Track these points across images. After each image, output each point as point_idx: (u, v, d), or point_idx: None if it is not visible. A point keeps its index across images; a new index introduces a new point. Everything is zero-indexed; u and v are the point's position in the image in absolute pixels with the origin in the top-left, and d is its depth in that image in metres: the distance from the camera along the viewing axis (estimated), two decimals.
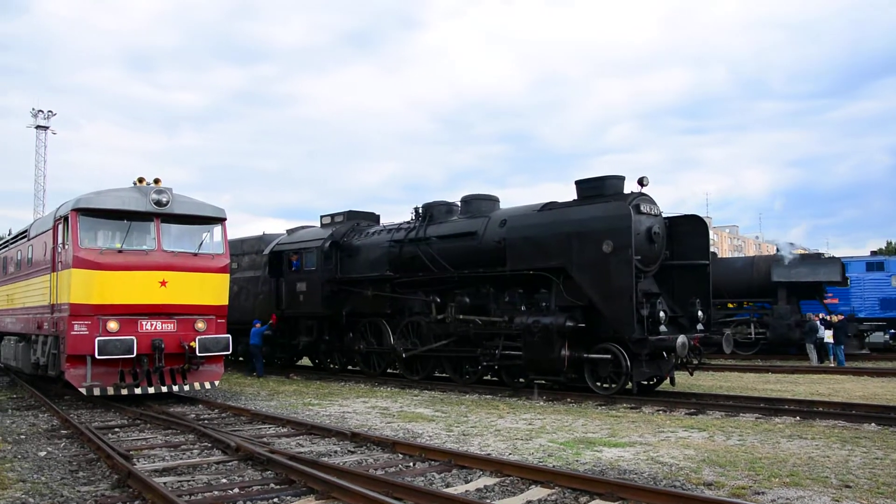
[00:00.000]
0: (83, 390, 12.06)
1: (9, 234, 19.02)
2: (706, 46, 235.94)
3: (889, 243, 66.49)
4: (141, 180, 13.23)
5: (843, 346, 21.00)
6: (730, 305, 25.65)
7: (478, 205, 16.03)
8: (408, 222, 17.27)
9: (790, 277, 24.16)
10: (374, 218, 19.89)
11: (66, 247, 12.59)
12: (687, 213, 14.59)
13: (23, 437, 9.88)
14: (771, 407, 11.80)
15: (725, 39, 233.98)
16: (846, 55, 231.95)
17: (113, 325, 12.10)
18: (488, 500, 6.25)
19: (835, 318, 21.58)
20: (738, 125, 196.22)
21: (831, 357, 21.11)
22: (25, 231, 16.44)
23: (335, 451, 8.57)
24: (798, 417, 10.88)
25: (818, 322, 21.50)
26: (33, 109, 53.27)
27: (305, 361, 21.82)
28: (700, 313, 13.76)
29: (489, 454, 8.11)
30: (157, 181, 13.23)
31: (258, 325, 19.43)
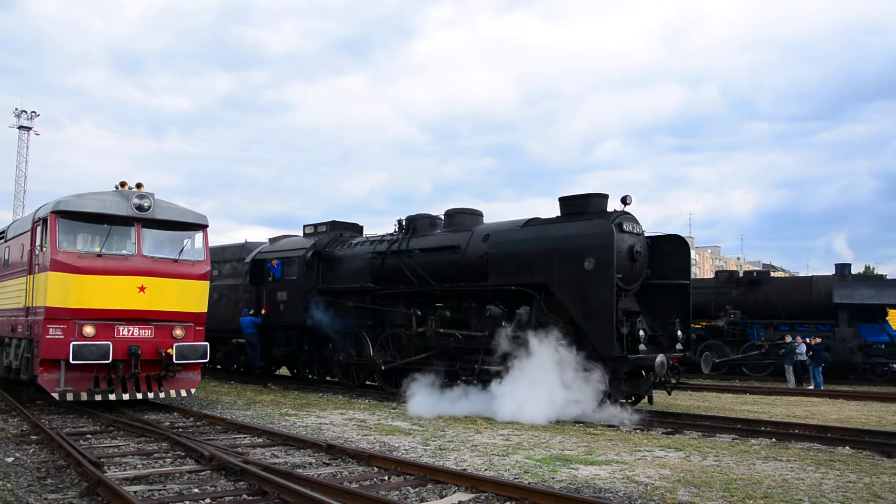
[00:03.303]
0: (56, 395, 11.89)
1: None
2: (700, 65, 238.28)
3: (867, 268, 67.22)
4: (123, 184, 13.15)
5: (821, 369, 21.12)
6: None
7: (461, 219, 16.05)
8: (391, 234, 17.25)
9: (853, 299, 23.24)
10: (357, 229, 19.85)
11: (44, 249, 12.45)
12: (671, 232, 14.69)
13: None
14: (747, 428, 11.85)
15: (719, 58, 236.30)
16: (839, 77, 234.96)
17: (89, 330, 11.96)
18: None
19: (813, 341, 21.74)
20: (727, 145, 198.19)
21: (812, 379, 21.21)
22: (3, 232, 16.25)
23: (310, 463, 8.49)
24: (774, 439, 10.93)
25: (798, 344, 21.62)
26: (16, 109, 52.77)
27: (284, 371, 21.68)
28: (679, 333, 13.82)
29: (465, 469, 8.06)
30: (139, 185, 13.16)
31: (249, 312, 19.33)
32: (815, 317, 24.33)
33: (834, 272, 24.99)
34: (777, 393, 19.08)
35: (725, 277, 27.45)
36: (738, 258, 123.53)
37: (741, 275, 27.38)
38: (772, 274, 25.35)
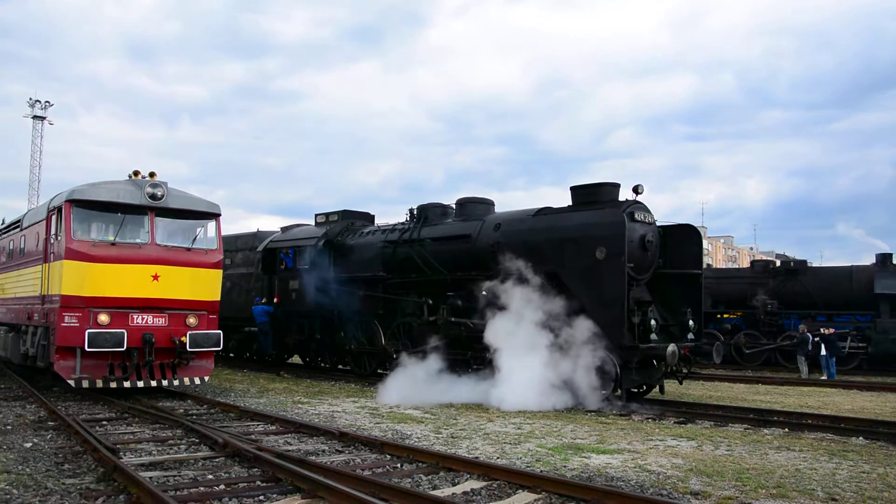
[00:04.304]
0: (72, 382, 12.01)
1: (2, 224, 18.93)
2: (714, 52, 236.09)
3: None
4: (136, 173, 13.21)
5: (834, 359, 21.01)
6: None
7: (473, 208, 16.04)
8: (402, 223, 17.27)
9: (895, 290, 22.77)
10: (368, 218, 19.88)
11: (59, 238, 12.55)
12: (684, 221, 14.64)
13: (9, 427, 9.83)
14: (760, 418, 11.82)
15: (734, 45, 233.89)
16: (856, 64, 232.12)
17: (104, 318, 12.06)
18: None
19: (827, 331, 21.59)
20: (741, 133, 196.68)
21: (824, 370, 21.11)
22: (19, 221, 16.38)
23: (323, 451, 8.55)
24: (786, 429, 10.90)
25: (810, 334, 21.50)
26: (30, 99, 53.00)
27: (296, 359, 21.79)
28: (691, 322, 13.80)
29: (477, 457, 8.09)
30: (152, 174, 13.20)
31: (262, 301, 19.43)
32: (855, 307, 23.76)
33: (875, 262, 24.36)
34: (790, 383, 19.01)
35: (762, 267, 27.00)
36: (752, 248, 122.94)
37: (778, 264, 26.94)
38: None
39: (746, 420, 11.61)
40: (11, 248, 16.48)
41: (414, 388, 13.62)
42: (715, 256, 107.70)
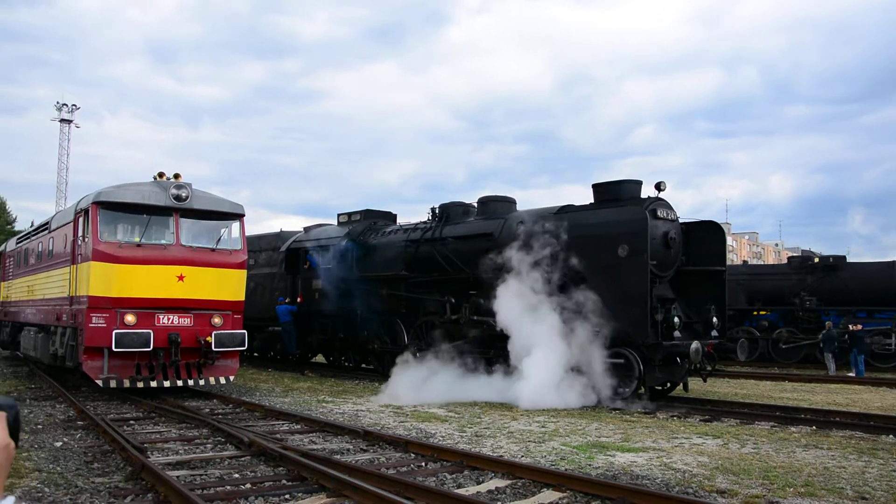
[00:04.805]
0: (100, 382, 12.17)
1: (31, 226, 19.23)
2: (738, 47, 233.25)
3: None
4: (161, 175, 13.34)
5: (863, 357, 20.71)
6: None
7: (494, 206, 16.03)
8: (424, 222, 17.29)
9: None
10: (390, 217, 19.93)
11: (86, 239, 12.71)
12: (707, 218, 14.54)
13: (40, 426, 9.99)
14: (787, 416, 11.69)
15: (758, 40, 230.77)
16: (882, 58, 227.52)
17: (130, 319, 12.20)
18: (500, 502, 6.24)
19: (854, 328, 21.29)
20: (765, 129, 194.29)
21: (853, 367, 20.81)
22: (47, 223, 16.63)
23: (348, 449, 8.59)
24: (814, 427, 10.78)
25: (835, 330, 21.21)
26: (58, 103, 53.90)
27: (320, 359, 21.91)
28: (715, 319, 13.69)
29: (501, 456, 8.09)
30: (176, 176, 13.33)
31: (285, 300, 19.57)
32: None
33: None
34: (817, 380, 18.78)
35: (799, 262, 26.42)
36: (776, 244, 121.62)
37: (816, 260, 26.51)
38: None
39: (773, 418, 11.49)
40: (40, 250, 16.73)
41: (437, 387, 13.65)
42: (739, 253, 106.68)
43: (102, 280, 12.27)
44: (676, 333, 12.89)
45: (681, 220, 13.92)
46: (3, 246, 24.93)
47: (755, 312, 25.22)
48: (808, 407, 12.97)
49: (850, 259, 25.47)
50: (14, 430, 1.41)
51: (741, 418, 11.55)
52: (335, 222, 20.26)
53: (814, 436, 10.02)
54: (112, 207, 12.79)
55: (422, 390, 13.52)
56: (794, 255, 28.41)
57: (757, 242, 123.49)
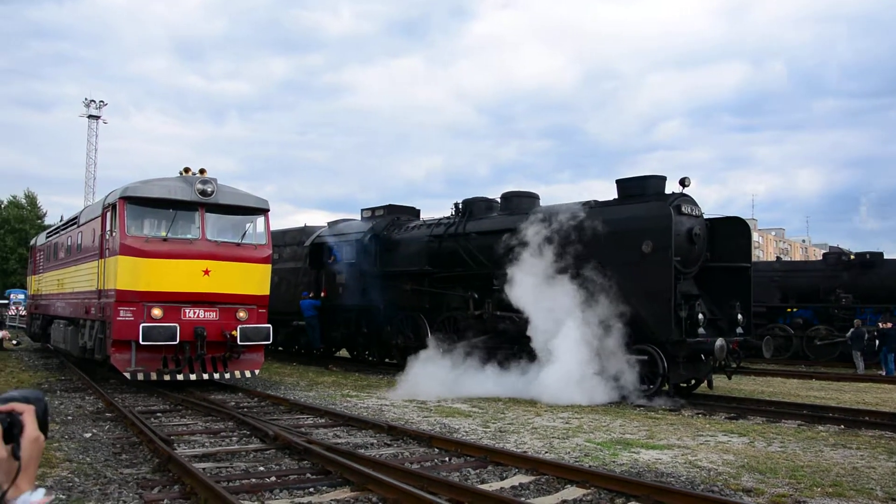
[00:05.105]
0: (127, 375, 12.34)
1: (60, 221, 19.52)
2: (764, 41, 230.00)
3: None
4: (187, 170, 13.46)
5: (893, 355, 20.37)
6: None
7: (518, 202, 15.98)
8: (447, 217, 17.29)
9: None
10: (414, 212, 19.96)
11: (114, 234, 12.88)
12: (733, 213, 14.37)
13: (70, 418, 10.16)
14: (814, 414, 11.55)
15: (785, 33, 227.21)
16: None
17: (157, 312, 12.34)
18: (523, 499, 6.23)
19: (885, 325, 20.94)
20: (792, 123, 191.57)
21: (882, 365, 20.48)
22: (76, 218, 16.87)
23: (372, 444, 8.63)
24: (842, 426, 10.64)
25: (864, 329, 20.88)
26: (86, 99, 54.60)
27: (344, 353, 22.02)
28: (740, 316, 13.56)
29: (525, 452, 8.09)
30: (202, 171, 13.44)
31: (309, 295, 19.70)
32: None
33: None
34: (845, 379, 18.52)
35: (834, 259, 25.78)
36: (804, 240, 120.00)
37: (852, 256, 26.06)
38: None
39: (800, 416, 11.36)
40: (69, 244, 16.98)
41: (460, 382, 13.66)
42: (766, 249, 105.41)
43: (130, 274, 12.42)
44: (701, 330, 12.78)
45: (705, 216, 13.80)
46: (33, 240, 25.36)
47: (788, 309, 24.87)
48: (836, 406, 12.81)
49: (887, 256, 24.84)
50: (43, 423, 1.44)
51: (767, 416, 11.43)
52: (359, 217, 20.33)
53: (842, 435, 9.89)
54: (139, 202, 12.94)
55: (445, 385, 13.54)
56: (828, 251, 27.82)
57: (783, 238, 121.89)
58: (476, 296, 15.83)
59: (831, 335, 23.40)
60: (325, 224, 21.47)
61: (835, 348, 23.26)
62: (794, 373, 19.81)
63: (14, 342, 18.76)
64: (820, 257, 28.58)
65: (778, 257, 53.57)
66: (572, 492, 6.47)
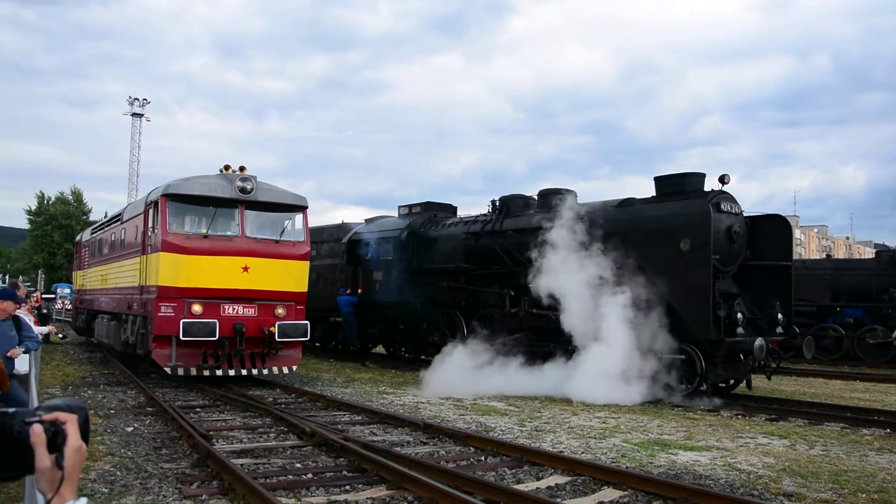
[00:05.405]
0: (168, 370, 12.56)
1: (105, 217, 19.94)
2: (809, 34, 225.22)
3: None
4: (227, 167, 13.64)
5: None
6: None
7: (555, 199, 15.86)
8: (484, 215, 17.26)
9: None
10: (450, 209, 19.96)
11: (156, 231, 13.11)
12: (775, 210, 14.14)
13: (112, 411, 10.38)
14: (858, 417, 11.27)
15: (830, 26, 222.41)
16: None
17: (197, 308, 12.54)
18: (559, 499, 6.20)
19: None
20: (837, 118, 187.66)
21: None
22: (119, 214, 17.22)
23: (408, 442, 8.66)
24: (888, 430, 10.35)
25: None
26: (129, 98, 55.74)
27: (380, 349, 22.14)
28: (780, 316, 13.31)
29: (561, 452, 8.05)
30: (242, 169, 13.61)
31: (346, 291, 19.84)
32: None
33: None
34: (891, 381, 18.05)
35: (888, 257, 25.27)
36: (847, 237, 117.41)
37: None
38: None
39: (843, 419, 11.10)
40: (113, 240, 17.33)
41: (496, 380, 13.63)
42: (808, 247, 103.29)
43: (171, 270, 12.63)
44: (739, 330, 12.57)
45: (745, 214, 13.57)
46: (78, 236, 25.95)
47: (838, 308, 24.29)
48: (881, 409, 12.50)
49: None
50: (84, 432, 1.45)
51: (809, 418, 11.20)
52: (396, 214, 20.40)
53: (888, 439, 9.64)
54: (180, 199, 13.15)
55: (480, 383, 13.53)
56: (872, 248, 27.06)
57: (826, 236, 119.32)
58: (512, 293, 15.77)
59: (887, 336, 22.76)
60: (363, 221, 21.59)
61: (889, 349, 22.65)
62: (837, 374, 19.37)
63: (60, 336, 19.22)
64: (864, 255, 27.79)
65: (828, 255, 52.36)
66: (609, 493, 6.42)
